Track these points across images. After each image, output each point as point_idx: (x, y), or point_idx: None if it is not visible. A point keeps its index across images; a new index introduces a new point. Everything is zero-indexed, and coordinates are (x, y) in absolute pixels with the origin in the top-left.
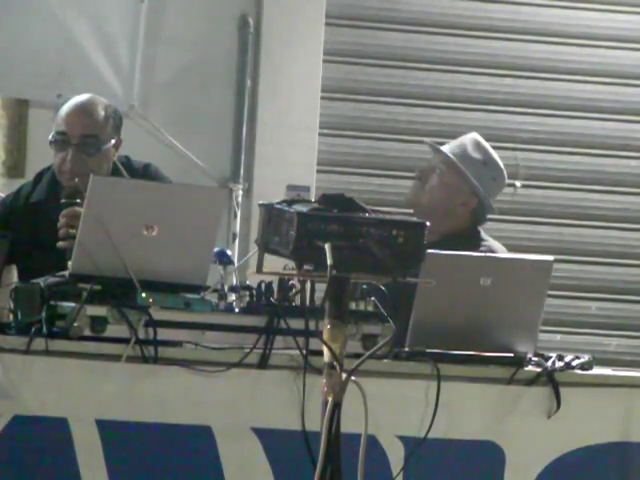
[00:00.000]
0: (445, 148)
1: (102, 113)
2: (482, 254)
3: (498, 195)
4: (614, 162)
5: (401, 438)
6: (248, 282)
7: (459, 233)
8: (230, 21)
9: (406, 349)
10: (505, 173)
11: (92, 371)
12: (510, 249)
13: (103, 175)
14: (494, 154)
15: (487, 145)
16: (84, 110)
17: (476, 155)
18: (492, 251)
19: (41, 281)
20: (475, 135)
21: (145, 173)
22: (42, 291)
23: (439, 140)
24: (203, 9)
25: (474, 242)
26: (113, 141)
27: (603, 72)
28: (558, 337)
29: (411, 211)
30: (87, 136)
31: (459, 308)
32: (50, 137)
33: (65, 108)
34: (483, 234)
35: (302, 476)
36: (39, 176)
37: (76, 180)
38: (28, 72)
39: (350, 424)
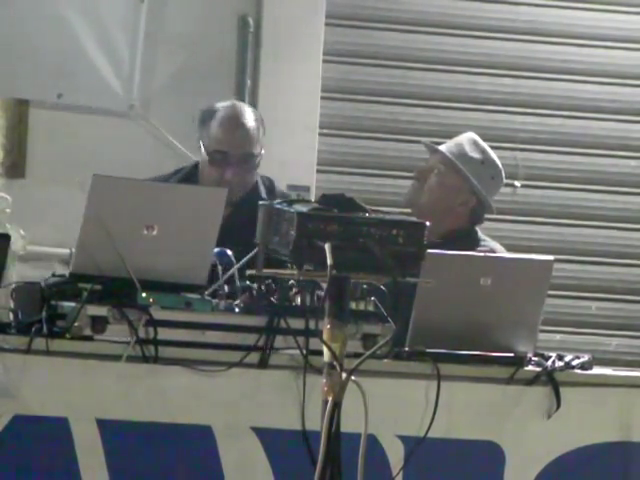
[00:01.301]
0: (443, 148)
1: (254, 125)
2: (482, 254)
3: (496, 194)
4: (614, 162)
5: (401, 438)
6: (248, 282)
7: (458, 233)
8: (230, 21)
9: (406, 349)
10: (503, 172)
11: (92, 371)
12: (510, 249)
13: (253, 182)
14: (492, 153)
15: (484, 144)
16: (243, 125)
17: (474, 154)
18: (492, 251)
19: (41, 281)
20: (472, 134)
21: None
22: (42, 291)
23: (439, 140)
24: (203, 9)
25: (473, 242)
26: (261, 150)
27: (603, 72)
28: (558, 337)
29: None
30: (247, 154)
31: (459, 308)
32: (206, 154)
33: (221, 123)
34: (481, 234)
35: (302, 476)
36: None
37: None
38: (28, 72)
39: (350, 424)
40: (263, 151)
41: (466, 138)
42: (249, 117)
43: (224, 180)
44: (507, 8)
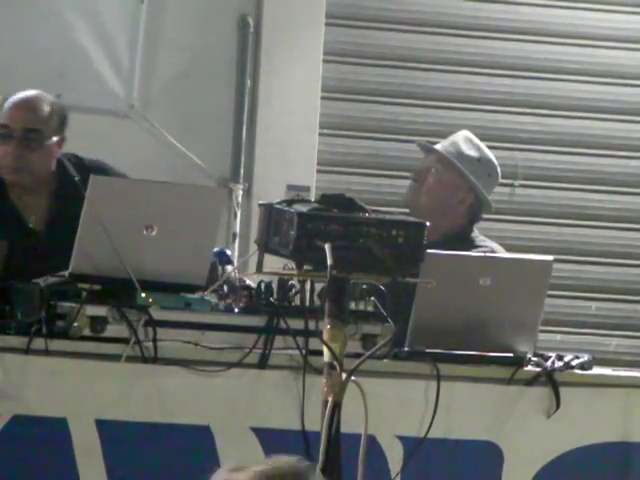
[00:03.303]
0: (438, 147)
1: (46, 109)
2: (482, 254)
3: (493, 191)
4: (614, 162)
5: (401, 438)
6: (248, 282)
7: (457, 233)
8: (230, 21)
9: (406, 349)
10: (499, 168)
11: (92, 371)
12: (510, 249)
13: (44, 171)
14: (487, 150)
15: (479, 142)
16: (28, 104)
17: (470, 152)
18: (492, 251)
19: (41, 281)
20: (466, 132)
21: (99, 169)
22: (42, 291)
23: (439, 140)
24: (203, 9)
25: (472, 242)
26: (56, 138)
27: (603, 72)
28: (558, 337)
29: None
30: (29, 130)
31: (459, 308)
32: None
33: (10, 102)
34: (480, 234)
35: None
36: None
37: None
38: (28, 72)
39: (350, 424)
40: (56, 139)
41: (461, 136)
42: (42, 99)
43: (6, 156)
44: (507, 8)
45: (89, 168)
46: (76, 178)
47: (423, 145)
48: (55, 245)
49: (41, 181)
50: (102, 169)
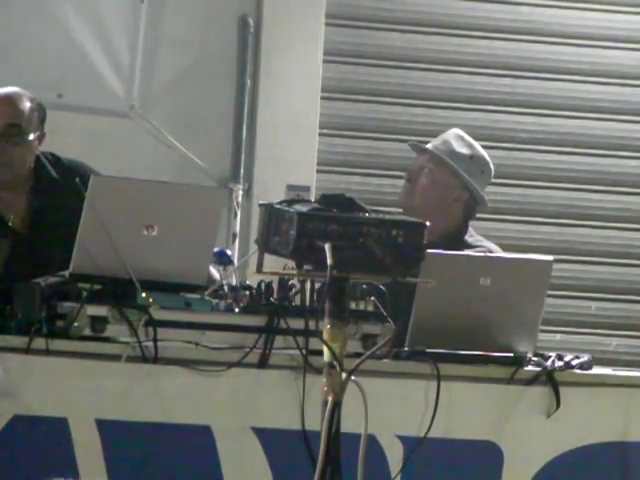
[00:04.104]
0: (430, 146)
1: (27, 104)
2: (482, 254)
3: (486, 187)
4: (614, 162)
5: (401, 438)
6: (248, 282)
7: (453, 233)
8: (230, 21)
9: (406, 349)
10: (492, 165)
11: (92, 371)
12: (510, 249)
13: (24, 167)
14: (479, 147)
15: (471, 139)
16: (9, 100)
17: (462, 150)
18: (490, 251)
19: (41, 281)
20: (457, 130)
21: (77, 168)
22: (42, 291)
23: None
24: (203, 9)
25: (468, 243)
26: (37, 134)
27: (603, 72)
28: (558, 337)
29: None
30: (12, 125)
31: (459, 308)
32: None
33: None
34: (475, 234)
35: (302, 476)
36: None
37: None
38: (28, 72)
39: (350, 424)
40: (37, 135)
41: (452, 134)
42: (22, 95)
43: None
44: (507, 8)
45: (67, 167)
46: (54, 176)
47: (415, 145)
48: (35, 244)
49: (20, 177)
50: (80, 169)
